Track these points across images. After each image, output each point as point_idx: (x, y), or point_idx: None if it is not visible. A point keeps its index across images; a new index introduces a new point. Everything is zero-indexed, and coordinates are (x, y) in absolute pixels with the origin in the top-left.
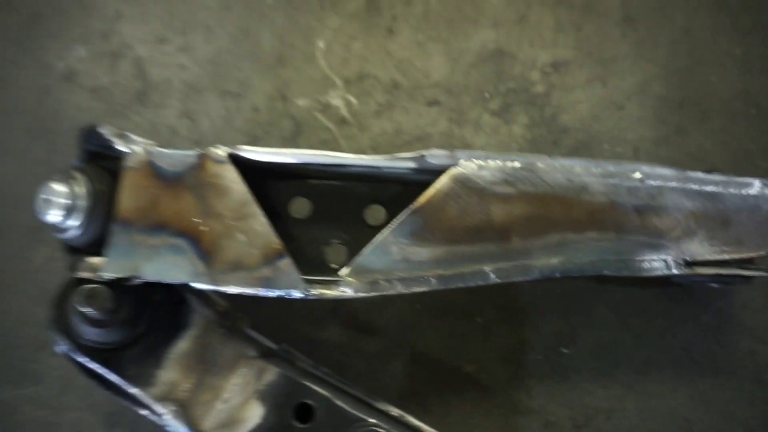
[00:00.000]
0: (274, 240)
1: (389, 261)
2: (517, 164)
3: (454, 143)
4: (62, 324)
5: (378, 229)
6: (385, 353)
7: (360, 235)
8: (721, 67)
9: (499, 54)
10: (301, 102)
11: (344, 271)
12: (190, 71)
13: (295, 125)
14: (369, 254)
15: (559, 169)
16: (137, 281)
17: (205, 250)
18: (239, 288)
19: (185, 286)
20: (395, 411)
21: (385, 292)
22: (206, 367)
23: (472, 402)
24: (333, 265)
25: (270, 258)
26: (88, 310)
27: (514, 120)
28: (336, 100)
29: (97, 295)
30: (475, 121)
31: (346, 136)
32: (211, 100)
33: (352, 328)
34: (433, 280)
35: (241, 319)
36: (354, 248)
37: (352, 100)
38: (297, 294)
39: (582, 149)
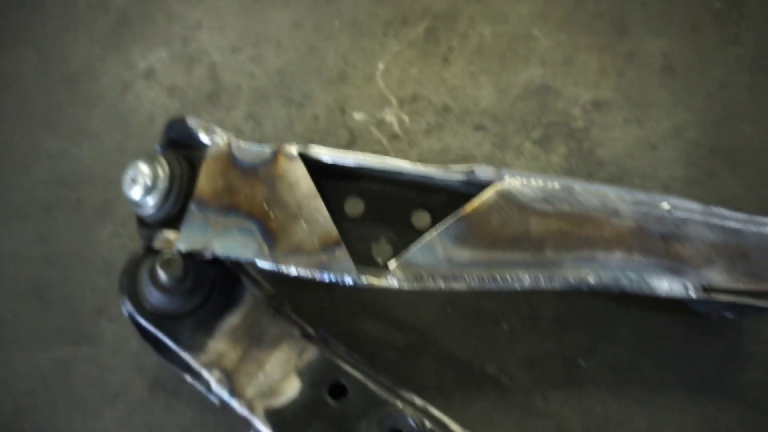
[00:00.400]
0: (332, 230)
1: (433, 259)
2: (556, 185)
3: (495, 165)
4: (131, 289)
5: (422, 232)
6: (415, 349)
7: (405, 236)
8: (755, 121)
9: (544, 89)
10: (358, 116)
11: (392, 264)
12: (259, 79)
13: (351, 136)
14: (416, 251)
15: (594, 194)
16: (207, 255)
17: (270, 234)
18: (298, 269)
19: (243, 267)
20: (419, 401)
21: (426, 287)
22: (252, 341)
23: (492, 401)
24: (379, 260)
25: (328, 246)
26: (163, 275)
27: (553, 150)
28: (390, 117)
29: (173, 262)
30: (517, 147)
31: (397, 150)
32: (276, 106)
33: (386, 323)
34: (471, 280)
35: (285, 303)
36: (399, 247)
37: (405, 118)
38: (348, 280)
39: (615, 182)
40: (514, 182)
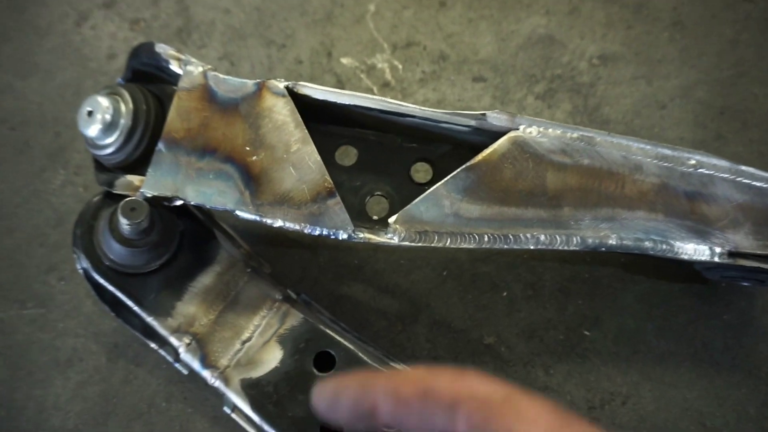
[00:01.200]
0: (325, 178)
1: (439, 214)
2: (575, 135)
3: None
4: (86, 242)
5: (422, 186)
6: (407, 316)
7: (404, 190)
8: (765, 81)
9: (548, 40)
10: (346, 60)
11: (393, 218)
12: (234, 16)
13: (338, 82)
14: (419, 205)
15: (616, 146)
16: (177, 202)
17: (253, 180)
18: (285, 221)
19: (216, 221)
20: None
21: (431, 244)
22: (227, 304)
23: (490, 373)
24: (374, 216)
25: (320, 195)
26: (125, 222)
27: (557, 105)
28: (381, 64)
29: (138, 207)
30: (519, 101)
31: None
32: (254, 46)
33: (376, 288)
34: (482, 238)
35: (264, 263)
36: (396, 203)
37: (398, 65)
38: (343, 235)
39: None
40: (530, 131)
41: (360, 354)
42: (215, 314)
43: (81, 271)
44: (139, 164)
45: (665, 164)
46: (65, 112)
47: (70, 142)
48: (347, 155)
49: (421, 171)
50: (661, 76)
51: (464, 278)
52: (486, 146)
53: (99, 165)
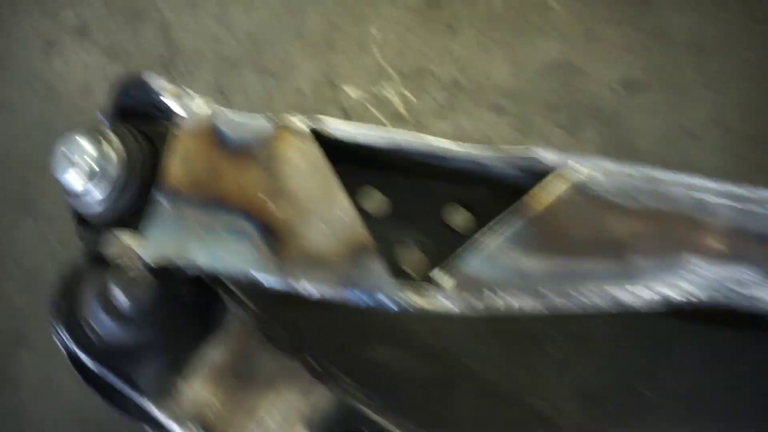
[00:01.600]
0: (360, 231)
1: (500, 271)
2: (633, 173)
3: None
4: (67, 313)
5: (461, 234)
6: (444, 382)
7: (441, 240)
8: None
9: (566, 65)
10: (351, 91)
11: (443, 278)
12: (225, 44)
13: (344, 115)
14: (472, 260)
15: (683, 185)
16: (189, 271)
17: (273, 237)
18: (315, 285)
19: (219, 279)
20: None
21: (493, 309)
22: (240, 381)
23: None
24: (410, 272)
25: (355, 252)
26: (122, 299)
27: (582, 135)
28: (391, 94)
29: (140, 281)
30: (541, 131)
31: None
32: (248, 77)
33: (407, 350)
34: (548, 297)
35: (278, 328)
36: (432, 253)
37: (409, 95)
38: (386, 301)
39: None
40: (584, 170)
41: None
42: (227, 394)
43: (63, 350)
44: (130, 219)
45: (739, 205)
46: (34, 154)
47: (39, 188)
48: (371, 199)
49: (458, 216)
50: (689, 103)
51: (506, 334)
52: (529, 186)
53: (81, 220)
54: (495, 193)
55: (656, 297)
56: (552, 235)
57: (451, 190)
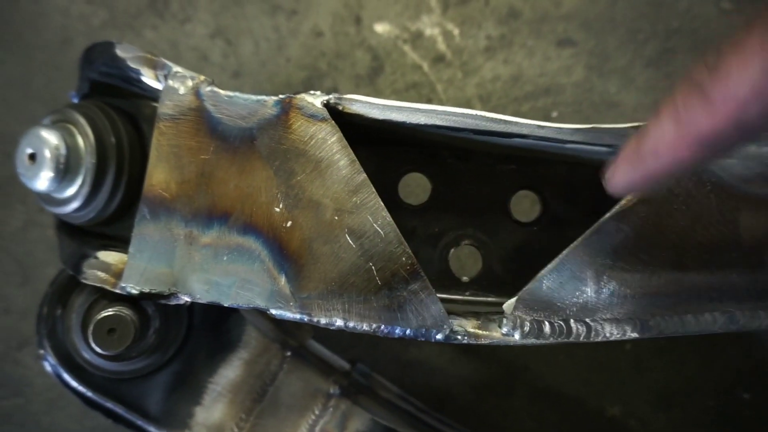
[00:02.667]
0: (401, 248)
1: (580, 291)
2: None
3: (593, 100)
4: (54, 339)
5: (531, 227)
6: (499, 385)
7: (503, 235)
8: None
9: None
10: (382, 28)
11: (508, 304)
12: None
13: (374, 59)
14: (547, 279)
15: None
16: (180, 301)
17: (290, 259)
18: (346, 321)
19: None
20: None
21: (570, 339)
22: (265, 405)
23: None
24: (462, 277)
25: (396, 278)
26: (104, 348)
27: (677, 73)
28: (430, 29)
29: (121, 329)
30: (624, 71)
31: (445, 80)
32: (256, 15)
33: (455, 350)
34: (646, 324)
35: (304, 336)
36: (491, 254)
37: (453, 29)
38: (437, 335)
39: None
40: None
41: None
42: (250, 420)
43: (52, 374)
44: (120, 215)
45: None
46: (13, 124)
47: None
48: (415, 188)
49: (525, 204)
50: None
51: None
52: None
53: (64, 225)
54: (575, 174)
55: None
56: (654, 240)
57: (518, 174)
